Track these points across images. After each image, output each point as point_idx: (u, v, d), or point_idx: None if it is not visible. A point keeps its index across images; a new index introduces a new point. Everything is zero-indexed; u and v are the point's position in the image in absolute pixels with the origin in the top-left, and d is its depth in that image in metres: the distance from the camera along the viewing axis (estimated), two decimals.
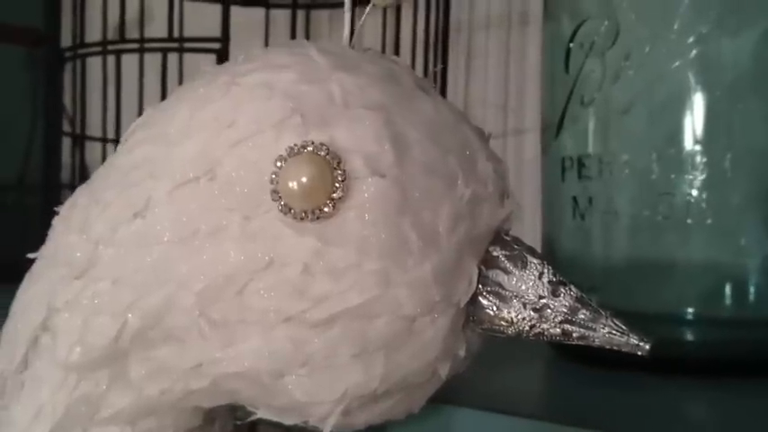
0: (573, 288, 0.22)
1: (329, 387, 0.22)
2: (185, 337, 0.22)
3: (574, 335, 0.22)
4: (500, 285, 0.22)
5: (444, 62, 0.54)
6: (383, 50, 0.53)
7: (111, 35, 0.54)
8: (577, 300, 0.22)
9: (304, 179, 0.21)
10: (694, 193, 0.34)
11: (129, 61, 0.52)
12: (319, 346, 0.21)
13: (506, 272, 0.22)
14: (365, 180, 0.21)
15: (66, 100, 0.57)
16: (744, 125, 0.34)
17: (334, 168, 0.21)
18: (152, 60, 0.51)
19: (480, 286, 0.22)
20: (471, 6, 0.62)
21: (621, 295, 0.35)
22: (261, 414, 0.23)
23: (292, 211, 0.21)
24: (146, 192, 0.22)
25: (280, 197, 0.21)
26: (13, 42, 0.61)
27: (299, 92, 0.22)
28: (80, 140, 0.57)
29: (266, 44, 0.61)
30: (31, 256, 0.25)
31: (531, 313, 0.22)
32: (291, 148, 0.21)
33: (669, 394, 0.32)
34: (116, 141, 0.51)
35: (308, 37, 0.60)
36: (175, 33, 0.51)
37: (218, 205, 0.22)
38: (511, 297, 0.22)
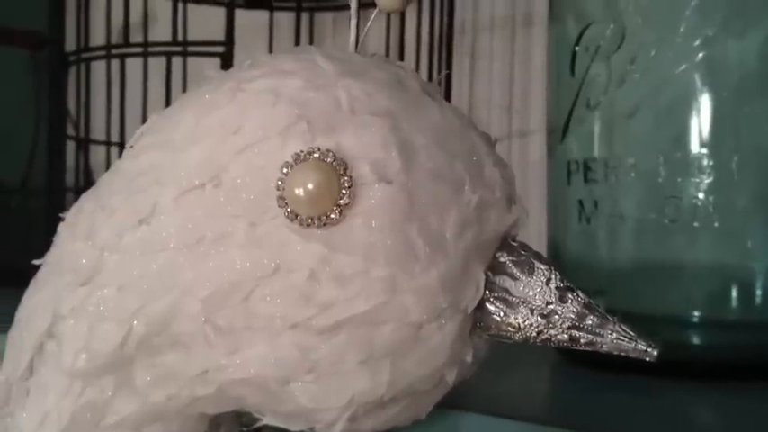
0: (580, 294, 0.22)
1: (336, 393, 0.21)
2: (191, 343, 0.22)
3: (581, 341, 0.22)
4: (507, 291, 0.22)
5: (448, 64, 0.54)
6: (387, 52, 0.53)
7: (114, 39, 0.54)
8: (585, 305, 0.22)
9: (310, 186, 0.21)
10: (701, 196, 0.34)
11: (133, 65, 0.52)
12: (326, 353, 0.21)
13: (514, 278, 0.22)
14: (372, 186, 0.21)
15: (70, 104, 0.57)
16: (750, 128, 0.34)
17: (341, 175, 0.21)
18: (156, 64, 0.51)
19: (487, 292, 0.22)
20: (475, 8, 0.62)
21: (627, 298, 0.35)
22: (267, 420, 0.23)
23: (299, 217, 0.21)
24: (151, 198, 0.22)
25: (286, 204, 0.21)
26: (17, 46, 0.61)
27: (306, 98, 0.22)
28: (84, 144, 0.57)
29: (270, 47, 0.62)
30: (36, 262, 0.25)
31: (539, 319, 0.22)
32: (298, 155, 0.21)
33: (675, 397, 0.32)
34: (120, 145, 0.52)
35: (311, 40, 0.60)
36: (179, 37, 0.51)
37: (224, 212, 0.22)
38: (518, 303, 0.22)
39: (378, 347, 0.21)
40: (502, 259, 0.23)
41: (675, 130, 0.34)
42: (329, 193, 0.21)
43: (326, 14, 0.62)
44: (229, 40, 0.49)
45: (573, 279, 0.22)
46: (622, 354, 0.22)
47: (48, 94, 0.59)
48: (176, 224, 0.22)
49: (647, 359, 0.21)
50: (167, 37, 0.51)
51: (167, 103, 0.48)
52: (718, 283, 0.35)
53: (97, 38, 0.55)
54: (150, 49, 0.52)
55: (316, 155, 0.21)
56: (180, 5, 0.52)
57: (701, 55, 0.34)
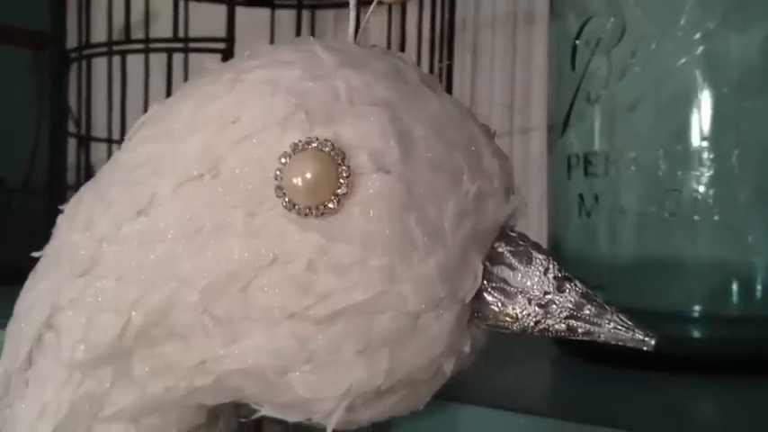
0: (578, 284, 0.22)
1: (333, 383, 0.21)
2: (189, 334, 0.22)
3: (579, 330, 0.22)
4: (505, 281, 0.22)
5: (450, 60, 0.54)
6: (389, 48, 0.53)
7: (116, 36, 0.54)
8: (582, 295, 0.22)
9: (308, 175, 0.21)
10: (701, 189, 0.34)
11: (135, 62, 0.52)
12: (323, 343, 0.21)
13: (512, 268, 0.22)
14: (370, 176, 0.21)
15: (72, 101, 0.57)
16: (750, 121, 0.34)
17: (339, 164, 0.21)
18: (157, 61, 0.51)
19: (485, 282, 0.22)
20: (477, 4, 0.62)
21: (628, 292, 0.35)
22: (265, 411, 0.23)
23: (296, 207, 0.21)
24: (150, 189, 0.22)
25: (284, 193, 0.21)
26: (19, 44, 0.61)
27: (304, 88, 0.22)
28: (85, 141, 0.57)
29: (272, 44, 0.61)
30: (35, 254, 0.25)
31: (537, 309, 0.22)
32: (296, 145, 0.21)
33: (676, 391, 0.32)
34: (121, 142, 0.51)
35: (313, 37, 0.60)
36: (180, 34, 0.51)
37: (222, 202, 0.22)
38: (516, 293, 0.22)
39: (375, 337, 0.21)
40: (500, 249, 0.23)
41: (676, 124, 0.34)
42: (327, 182, 0.21)
43: (328, 12, 0.62)
44: (230, 37, 0.49)
45: (573, 273, 0.22)
46: (620, 343, 0.22)
47: (49, 93, 0.60)
48: (175, 215, 0.22)
49: (645, 348, 0.21)
50: (168, 34, 0.51)
51: None
52: (719, 277, 0.35)
53: (98, 35, 0.55)
54: (151, 46, 0.52)
55: (314, 144, 0.21)
56: (181, 2, 0.52)
57: (701, 48, 0.34)
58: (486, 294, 0.22)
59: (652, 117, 0.35)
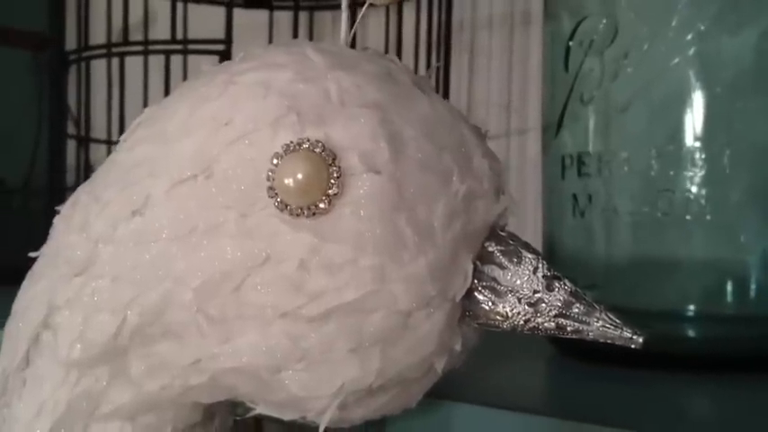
0: (567, 282, 0.22)
1: (326, 381, 0.22)
2: (184, 333, 0.22)
3: (568, 328, 0.22)
4: (495, 280, 0.23)
5: (447, 62, 0.54)
6: (386, 50, 0.54)
7: (114, 38, 0.54)
8: (571, 294, 0.22)
9: (300, 176, 0.21)
10: (694, 189, 0.34)
11: (133, 63, 0.52)
12: (316, 341, 0.21)
13: (501, 267, 0.23)
14: (360, 176, 0.21)
15: (71, 102, 0.57)
16: (743, 121, 0.34)
17: (330, 165, 0.21)
18: (156, 62, 0.51)
19: (476, 281, 0.22)
20: (474, 5, 0.62)
21: (622, 292, 0.35)
22: (260, 410, 0.23)
23: (288, 207, 0.21)
24: (145, 190, 0.23)
25: (276, 194, 0.21)
26: (18, 46, 0.61)
27: (296, 90, 0.22)
28: (85, 143, 0.57)
29: None
30: (32, 254, 0.25)
31: (526, 308, 0.22)
32: (287, 146, 0.21)
33: (670, 390, 0.32)
34: None
35: (311, 39, 0.60)
36: (179, 35, 0.51)
37: (216, 203, 0.22)
38: (506, 292, 0.22)
39: (367, 336, 0.21)
40: (490, 249, 0.23)
41: (668, 124, 0.34)
42: (318, 183, 0.21)
43: (326, 13, 0.63)
44: (229, 39, 0.49)
45: (568, 273, 0.23)
46: (608, 341, 0.22)
47: (49, 94, 0.60)
48: (169, 215, 0.22)
49: (633, 346, 0.21)
50: (167, 35, 0.51)
51: None
52: (712, 276, 0.35)
53: (97, 37, 0.56)
54: (150, 48, 0.52)
55: (305, 146, 0.21)
56: (179, 4, 0.52)
57: (693, 49, 0.34)
58: (476, 293, 0.23)
59: (645, 118, 0.35)
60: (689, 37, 0.34)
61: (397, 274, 0.21)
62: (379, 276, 0.21)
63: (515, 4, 0.60)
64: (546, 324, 0.22)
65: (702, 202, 0.34)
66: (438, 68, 0.53)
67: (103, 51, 0.54)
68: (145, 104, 0.51)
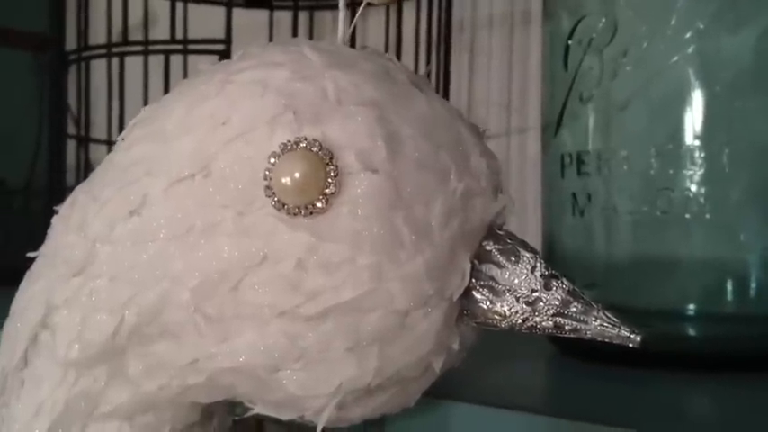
0: (565, 281, 0.22)
1: (324, 381, 0.22)
2: (181, 332, 0.22)
3: (566, 327, 0.22)
4: (493, 279, 0.23)
5: (447, 62, 0.54)
6: (386, 49, 0.54)
7: (114, 38, 0.54)
8: (569, 293, 0.22)
9: (297, 175, 0.21)
10: (693, 188, 0.34)
11: (133, 63, 0.52)
12: (313, 341, 0.21)
13: (499, 266, 0.23)
14: (358, 175, 0.21)
15: (71, 102, 0.57)
16: (742, 120, 0.34)
17: (327, 164, 0.21)
18: (156, 63, 0.51)
19: (473, 280, 0.22)
20: (474, 5, 0.62)
21: (622, 291, 0.35)
22: (258, 409, 0.23)
23: (286, 206, 0.21)
24: (142, 189, 0.23)
25: (273, 193, 0.21)
26: (18, 46, 0.61)
27: (293, 89, 0.22)
28: (85, 143, 0.57)
29: None
30: (31, 254, 0.25)
31: (524, 306, 0.22)
32: (284, 145, 0.21)
33: (670, 389, 0.32)
34: None
35: (311, 38, 0.60)
36: (179, 36, 0.51)
37: (213, 202, 0.22)
38: (504, 291, 0.22)
39: (365, 335, 0.21)
40: (488, 248, 0.23)
41: (668, 123, 0.34)
42: (315, 182, 0.21)
43: (326, 13, 0.63)
44: (228, 39, 0.49)
45: (568, 272, 0.23)
46: (606, 340, 0.22)
47: (49, 94, 0.60)
48: (166, 214, 0.22)
49: (631, 345, 0.21)
50: (167, 36, 0.51)
51: None
52: (712, 275, 0.34)
53: (97, 37, 0.56)
54: (150, 48, 0.52)
55: (302, 144, 0.21)
56: (179, 4, 0.52)
57: (692, 48, 0.34)
58: (474, 292, 0.22)
59: (644, 116, 0.35)
60: (688, 35, 0.34)
61: (395, 273, 0.21)
62: (376, 275, 0.21)
63: (515, 3, 0.60)
64: (544, 323, 0.22)
65: (702, 200, 0.34)
66: (438, 68, 0.53)
67: (103, 51, 0.54)
68: (145, 104, 0.51)
